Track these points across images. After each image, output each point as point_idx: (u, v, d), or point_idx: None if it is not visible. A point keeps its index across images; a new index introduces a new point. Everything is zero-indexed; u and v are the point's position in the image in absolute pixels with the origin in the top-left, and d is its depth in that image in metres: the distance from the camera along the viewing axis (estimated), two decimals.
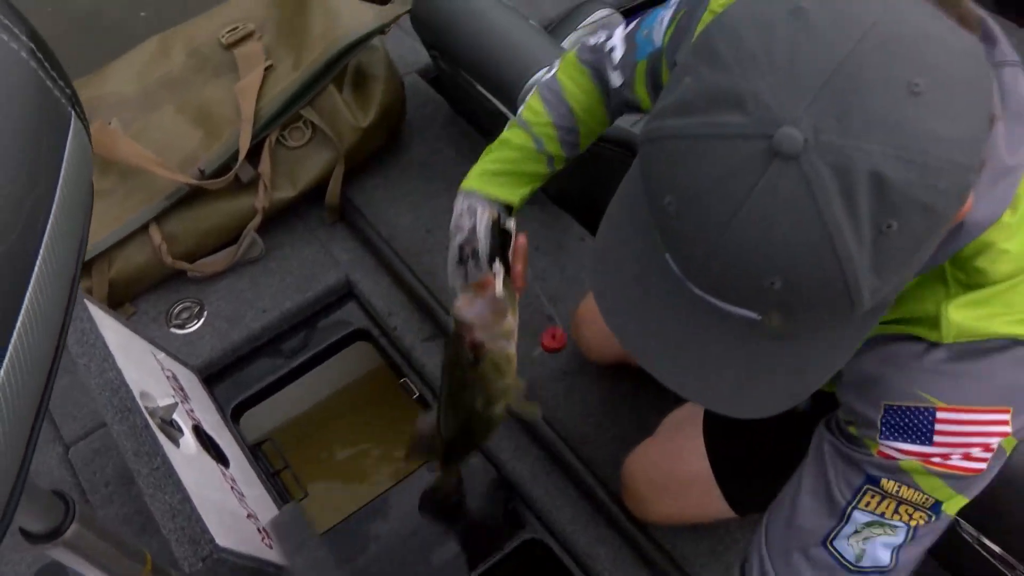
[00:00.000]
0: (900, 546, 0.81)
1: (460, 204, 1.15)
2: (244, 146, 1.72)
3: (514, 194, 1.16)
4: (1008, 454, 0.78)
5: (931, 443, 0.75)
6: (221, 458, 1.33)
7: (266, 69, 1.78)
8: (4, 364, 0.44)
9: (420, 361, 1.68)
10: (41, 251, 0.48)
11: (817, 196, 0.55)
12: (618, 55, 1.11)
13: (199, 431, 1.31)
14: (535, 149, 1.16)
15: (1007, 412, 0.74)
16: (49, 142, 0.52)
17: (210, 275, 1.79)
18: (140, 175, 1.71)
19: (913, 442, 0.76)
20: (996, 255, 0.72)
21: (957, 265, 0.74)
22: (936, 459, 0.76)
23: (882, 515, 0.80)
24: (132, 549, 0.84)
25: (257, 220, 1.78)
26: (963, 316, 0.73)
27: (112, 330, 1.28)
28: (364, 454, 1.87)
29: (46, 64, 0.55)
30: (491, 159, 1.17)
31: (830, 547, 0.83)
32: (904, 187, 0.55)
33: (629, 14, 2.41)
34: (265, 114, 1.75)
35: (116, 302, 1.74)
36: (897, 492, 0.78)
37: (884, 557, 0.81)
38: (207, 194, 1.74)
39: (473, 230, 1.13)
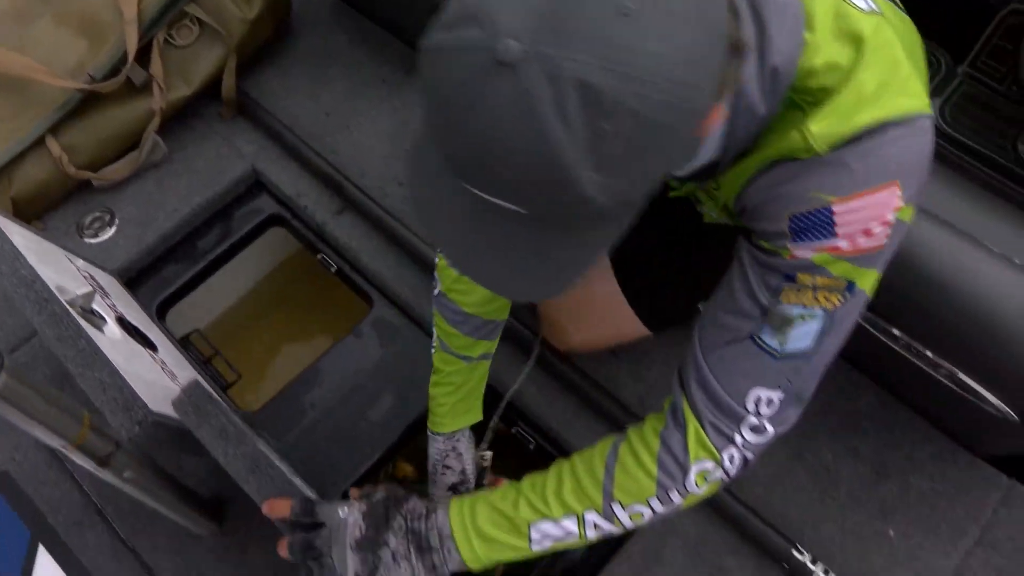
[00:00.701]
0: (821, 331, 0.89)
1: (441, 445, 1.29)
2: (132, 47, 1.70)
3: (478, 410, 1.33)
4: (909, 222, 0.86)
5: (835, 235, 0.83)
6: (148, 344, 1.37)
7: None
8: None
9: (333, 235, 1.73)
10: None
11: (533, 100, 0.62)
12: None
13: (123, 321, 1.35)
14: (467, 366, 1.29)
15: (895, 185, 0.82)
16: None
17: (116, 183, 1.79)
18: (27, 89, 1.69)
19: (820, 239, 0.84)
20: (822, 70, 0.81)
21: (801, 95, 0.82)
22: (843, 245, 0.84)
23: (801, 304, 0.88)
24: (69, 406, 0.88)
25: (156, 122, 1.78)
26: (824, 125, 0.81)
27: (20, 235, 1.29)
28: (292, 335, 1.93)
29: None
30: (443, 394, 1.30)
31: (757, 339, 0.91)
32: (612, 94, 0.62)
33: None
34: (149, 14, 1.73)
35: (24, 220, 1.74)
36: (812, 282, 0.87)
37: (806, 342, 0.89)
38: (102, 101, 1.74)
39: (463, 472, 1.30)
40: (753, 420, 0.93)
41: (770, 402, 0.92)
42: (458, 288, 1.24)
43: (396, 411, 1.56)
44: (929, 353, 1.32)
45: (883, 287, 1.23)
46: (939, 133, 2.15)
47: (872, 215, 0.82)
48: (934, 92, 1.88)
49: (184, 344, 1.63)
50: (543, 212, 0.71)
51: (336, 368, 1.62)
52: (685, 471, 0.95)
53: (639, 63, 0.62)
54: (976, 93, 2.05)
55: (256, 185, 1.85)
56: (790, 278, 0.88)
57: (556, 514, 0.98)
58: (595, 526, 0.98)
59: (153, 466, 1.18)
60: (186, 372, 1.41)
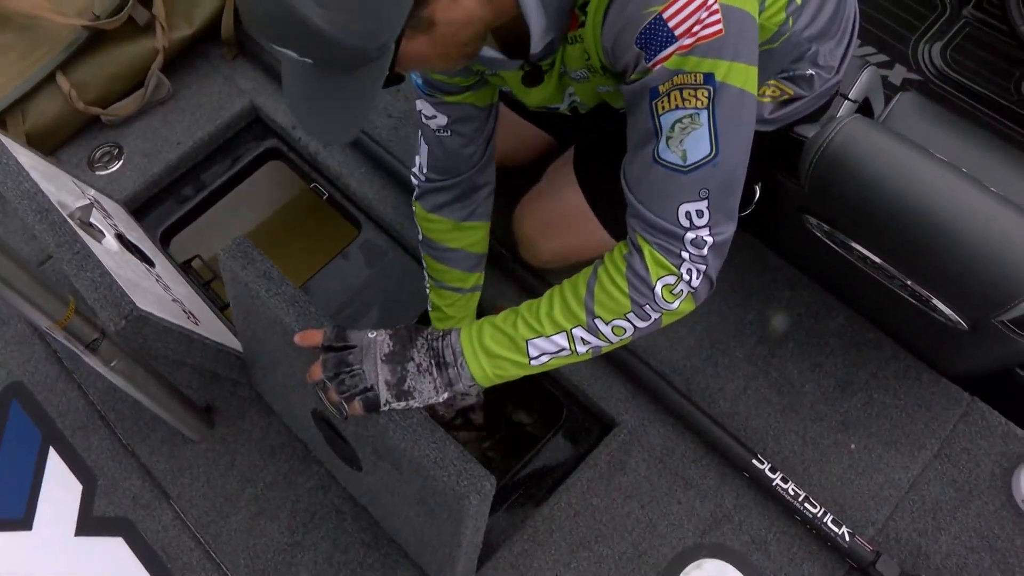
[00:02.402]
0: (710, 133, 0.97)
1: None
2: None
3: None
4: (748, 11, 0.95)
5: (675, 37, 0.92)
6: (145, 259, 1.46)
7: None
8: None
9: (325, 164, 1.81)
10: None
11: None
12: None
13: (122, 238, 1.44)
14: (462, 297, 1.48)
15: None
16: None
17: (124, 118, 1.89)
18: (36, 27, 1.78)
19: (665, 45, 0.92)
20: None
21: None
22: (685, 42, 0.92)
23: (674, 108, 0.96)
24: (55, 287, 0.97)
25: (160, 60, 1.87)
26: None
27: (25, 156, 1.39)
28: (288, 260, 2.02)
29: None
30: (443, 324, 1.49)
31: (661, 160, 0.99)
32: None
33: None
34: None
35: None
36: (672, 84, 0.95)
37: (704, 148, 0.97)
38: (108, 40, 1.82)
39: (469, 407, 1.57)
40: (691, 235, 1.01)
41: (700, 213, 1.00)
42: (434, 228, 1.40)
43: (383, 326, 1.65)
44: (882, 263, 1.39)
45: (836, 198, 1.32)
46: (941, 75, 2.19)
47: (696, 5, 0.90)
48: (937, 35, 1.91)
49: (185, 268, 1.72)
50: (316, 57, 0.84)
51: (325, 287, 1.71)
52: (650, 287, 1.04)
53: None
54: (979, 35, 2.08)
55: (256, 122, 1.93)
56: (654, 92, 0.96)
57: (548, 331, 1.08)
58: (583, 341, 1.08)
59: (143, 362, 1.28)
60: (181, 288, 1.51)
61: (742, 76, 0.95)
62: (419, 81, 1.30)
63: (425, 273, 1.50)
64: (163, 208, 1.85)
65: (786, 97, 1.32)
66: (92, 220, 1.34)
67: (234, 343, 1.45)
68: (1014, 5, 2.01)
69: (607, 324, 1.07)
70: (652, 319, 1.07)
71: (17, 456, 1.51)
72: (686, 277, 1.03)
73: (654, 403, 1.53)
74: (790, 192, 1.44)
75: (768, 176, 1.47)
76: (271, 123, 1.89)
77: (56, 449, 1.51)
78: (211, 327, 1.44)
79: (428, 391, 1.07)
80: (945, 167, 1.27)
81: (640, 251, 1.04)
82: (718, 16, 0.91)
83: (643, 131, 1.00)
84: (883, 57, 2.23)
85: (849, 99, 1.44)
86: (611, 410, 1.53)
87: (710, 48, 0.92)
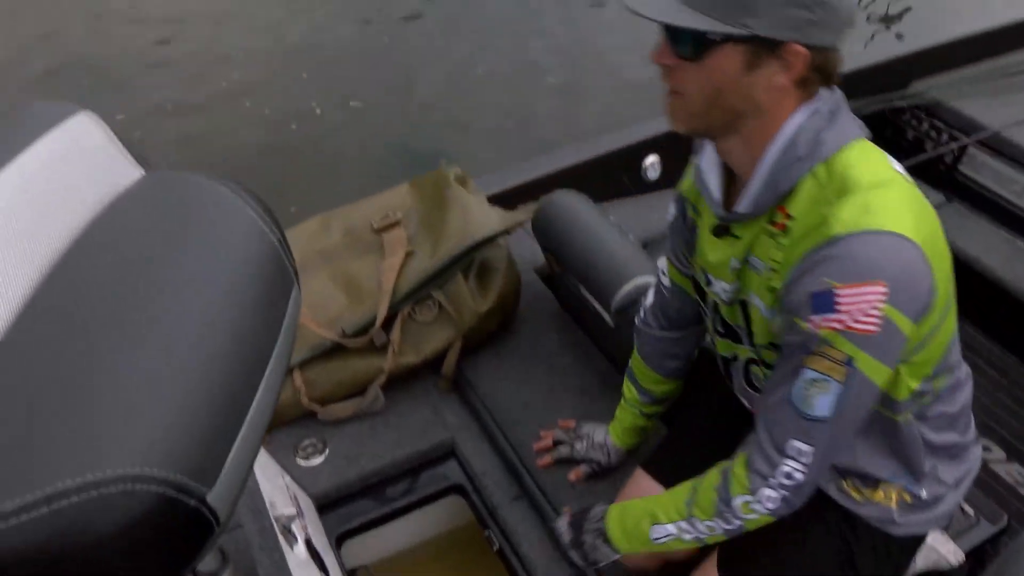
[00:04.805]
0: (835, 401, 1.17)
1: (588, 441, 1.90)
2: (381, 315, 2.05)
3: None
4: (903, 332, 1.13)
5: (835, 311, 1.11)
6: (323, 569, 1.58)
7: (407, 254, 2.14)
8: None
9: (504, 517, 1.90)
10: (262, 383, 0.69)
11: None
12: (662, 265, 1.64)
13: (309, 544, 1.57)
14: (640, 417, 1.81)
15: (881, 284, 1.09)
16: (282, 300, 0.79)
17: (336, 420, 2.09)
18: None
19: (826, 312, 1.12)
20: (857, 163, 1.15)
21: (829, 172, 1.15)
22: (843, 320, 1.11)
23: (816, 370, 1.17)
24: None
25: (382, 378, 2.08)
26: (848, 213, 1.11)
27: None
28: None
29: (285, 245, 0.84)
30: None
31: (790, 400, 1.21)
32: None
33: None
34: (402, 291, 2.09)
35: None
36: (823, 352, 1.15)
37: (825, 410, 1.18)
38: (344, 350, 2.07)
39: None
40: (787, 467, 1.23)
41: (802, 452, 1.22)
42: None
43: None
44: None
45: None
46: None
47: (863, 301, 1.09)
48: None
49: (351, 574, 1.83)
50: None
51: None
52: (728, 502, 1.30)
53: None
54: None
55: (450, 453, 2.08)
56: (808, 348, 1.17)
57: (665, 520, 1.39)
58: (687, 531, 1.37)
59: None
60: None
61: (875, 371, 1.15)
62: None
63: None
64: (346, 511, 1.98)
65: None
66: (292, 526, 1.48)
67: None
68: None
69: (702, 523, 1.34)
70: (735, 525, 1.32)
71: None
72: (764, 499, 1.26)
73: None
74: None
75: None
76: (464, 462, 2.03)
77: None
78: None
79: None
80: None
81: (732, 468, 1.30)
82: (877, 319, 1.10)
83: (787, 372, 1.21)
84: None
85: None
86: None
87: (858, 340, 1.12)
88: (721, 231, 1.32)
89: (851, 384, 1.15)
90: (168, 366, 0.56)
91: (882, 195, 1.12)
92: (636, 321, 1.73)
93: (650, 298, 1.69)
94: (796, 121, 1.17)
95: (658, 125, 2.90)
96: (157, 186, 0.75)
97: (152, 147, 4.38)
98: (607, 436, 1.86)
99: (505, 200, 2.51)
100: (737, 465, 1.30)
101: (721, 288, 1.37)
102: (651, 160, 2.89)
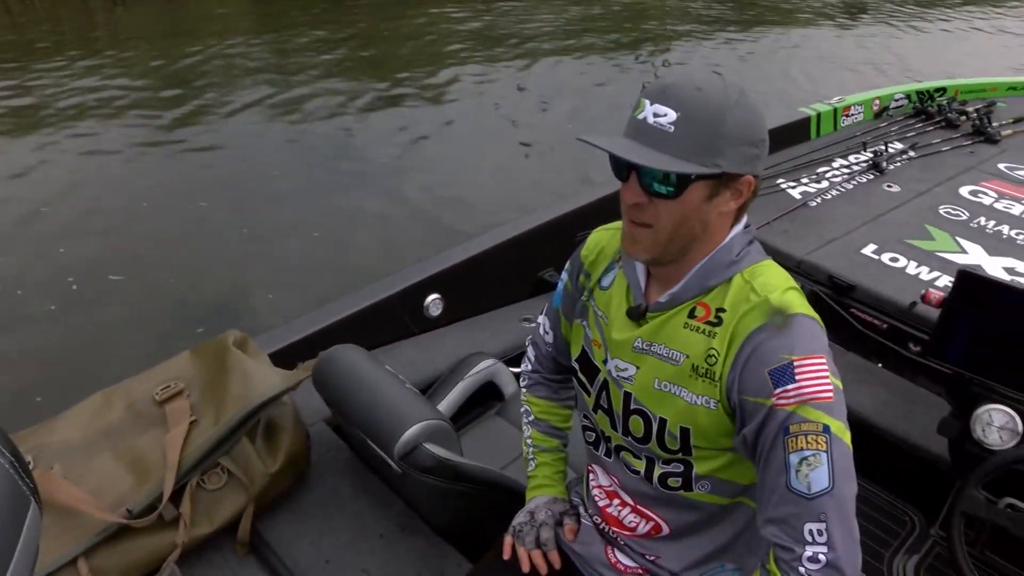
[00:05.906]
0: (829, 471, 1.26)
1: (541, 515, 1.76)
2: (168, 490, 2.02)
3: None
4: (840, 391, 1.29)
5: (795, 381, 1.27)
6: None
7: (191, 423, 2.14)
8: None
9: None
10: None
11: None
12: (541, 337, 1.84)
13: None
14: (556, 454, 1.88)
15: (821, 356, 1.29)
16: (13, 521, 0.81)
17: None
18: (73, 515, 1.98)
19: (787, 384, 1.27)
20: (768, 273, 1.39)
21: (753, 277, 1.38)
22: (804, 390, 1.26)
23: (801, 449, 1.26)
24: None
25: (176, 553, 2.03)
26: (777, 301, 1.33)
27: None
28: None
29: (19, 465, 0.85)
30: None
31: (792, 489, 1.28)
32: None
33: (511, 364, 2.86)
34: (188, 462, 2.07)
35: None
36: (800, 429, 1.26)
37: (823, 481, 1.26)
38: (134, 530, 2.01)
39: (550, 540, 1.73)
40: (809, 551, 1.27)
41: (820, 532, 1.26)
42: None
43: None
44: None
45: None
46: None
47: (818, 371, 1.27)
48: (909, 550, 2.28)
49: None
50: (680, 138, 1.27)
51: None
52: None
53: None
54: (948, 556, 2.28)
55: None
56: (786, 430, 1.27)
57: None
58: None
59: None
60: None
61: (843, 433, 1.27)
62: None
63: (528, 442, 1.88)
64: None
65: None
66: None
67: None
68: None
69: None
70: None
71: None
72: None
73: None
74: None
75: None
76: None
77: None
78: None
79: None
80: None
81: (766, 561, 1.32)
82: (830, 387, 1.27)
83: (778, 466, 1.29)
84: None
85: None
86: None
87: (824, 407, 1.26)
88: (635, 314, 1.47)
89: (834, 449, 1.26)
90: None
91: (794, 292, 1.36)
92: (522, 380, 1.92)
93: (531, 354, 1.90)
94: (732, 234, 1.41)
95: (439, 263, 3.06)
96: None
97: None
98: (545, 499, 1.77)
99: (290, 354, 2.55)
100: (769, 561, 1.32)
101: (614, 366, 1.51)
102: (432, 298, 3.02)
